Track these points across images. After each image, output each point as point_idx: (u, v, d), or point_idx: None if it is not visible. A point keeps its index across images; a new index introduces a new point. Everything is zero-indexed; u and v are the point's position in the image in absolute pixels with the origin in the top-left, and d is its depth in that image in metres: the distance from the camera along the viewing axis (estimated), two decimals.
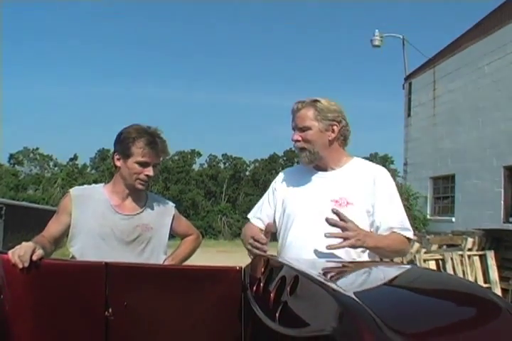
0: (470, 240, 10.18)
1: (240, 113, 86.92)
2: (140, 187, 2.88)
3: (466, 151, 14.72)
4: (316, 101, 2.68)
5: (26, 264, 2.29)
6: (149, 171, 2.85)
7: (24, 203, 26.12)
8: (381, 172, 2.72)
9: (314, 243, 2.55)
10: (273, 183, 2.93)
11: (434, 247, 10.76)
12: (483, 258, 9.85)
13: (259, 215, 2.89)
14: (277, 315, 1.62)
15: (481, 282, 9.49)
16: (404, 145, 19.00)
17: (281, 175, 2.93)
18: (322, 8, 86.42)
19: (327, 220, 2.40)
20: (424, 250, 10.32)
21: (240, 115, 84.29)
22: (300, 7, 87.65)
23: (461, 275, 9.41)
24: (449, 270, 9.57)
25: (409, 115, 18.65)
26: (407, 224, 2.65)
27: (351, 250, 2.54)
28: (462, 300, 1.44)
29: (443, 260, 9.75)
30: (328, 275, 1.63)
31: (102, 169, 54.46)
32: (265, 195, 2.95)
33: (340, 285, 1.39)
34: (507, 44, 13.20)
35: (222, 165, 63.14)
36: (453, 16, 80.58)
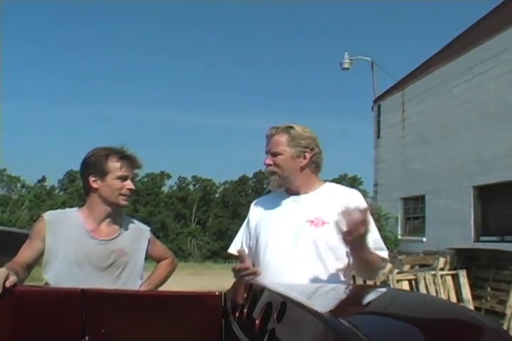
0: (442, 260, 10.25)
1: (210, 134, 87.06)
2: (124, 203, 2.85)
3: (436, 172, 14.87)
4: (291, 127, 2.69)
5: None
6: (130, 185, 2.82)
7: None
8: (354, 194, 2.74)
9: (292, 265, 2.53)
10: (248, 215, 2.90)
11: (407, 267, 10.81)
12: (455, 278, 9.90)
13: (243, 248, 2.82)
14: None
15: (454, 301, 9.53)
16: (374, 167, 19.15)
17: (253, 206, 2.91)
18: (292, 32, 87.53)
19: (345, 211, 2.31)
20: (396, 270, 10.35)
21: (210, 136, 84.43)
22: (271, 29, 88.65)
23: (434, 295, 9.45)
24: (422, 290, 9.58)
25: (378, 136, 18.83)
26: (382, 244, 2.65)
27: (328, 273, 2.53)
28: (452, 323, 1.43)
29: (416, 280, 9.77)
30: (316, 301, 1.60)
31: (70, 191, 53.92)
32: (242, 229, 2.91)
33: (331, 312, 1.36)
34: (474, 66, 13.45)
35: (191, 187, 63.00)
36: (421, 40, 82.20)
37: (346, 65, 19.17)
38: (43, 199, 52.07)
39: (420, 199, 16.05)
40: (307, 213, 2.62)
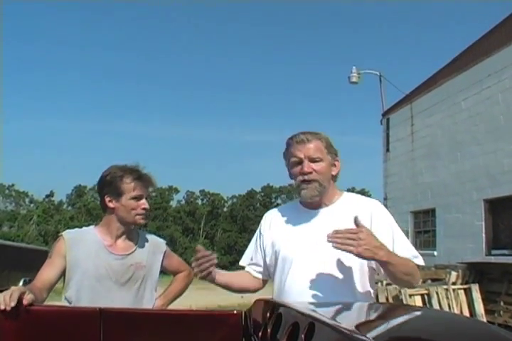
0: (454, 274, 10.19)
1: (218, 149, 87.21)
2: (142, 221, 2.92)
3: (446, 185, 14.82)
4: (319, 134, 2.59)
5: (13, 304, 2.19)
6: (144, 204, 2.89)
7: None
8: (376, 206, 2.61)
9: (315, 285, 2.47)
10: (259, 227, 2.81)
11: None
12: (468, 292, 9.84)
13: (253, 261, 2.79)
14: None
15: (467, 316, 9.45)
16: (383, 180, 19.07)
17: (266, 218, 2.81)
18: (300, 46, 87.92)
19: (335, 231, 2.25)
20: None
21: (217, 151, 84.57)
22: (279, 44, 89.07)
23: (446, 310, 9.36)
24: (435, 304, 9.53)
25: (387, 150, 18.79)
26: (415, 252, 2.52)
27: (352, 290, 2.47)
28: None
29: (428, 294, 9.71)
30: (346, 321, 1.56)
31: (78, 206, 53.95)
32: (253, 241, 2.83)
33: (363, 332, 1.32)
34: (482, 80, 13.43)
35: (199, 202, 63.00)
36: (429, 52, 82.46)
37: (354, 79, 19.14)
38: (51, 214, 52.11)
39: (430, 212, 15.97)
40: (329, 230, 2.42)
